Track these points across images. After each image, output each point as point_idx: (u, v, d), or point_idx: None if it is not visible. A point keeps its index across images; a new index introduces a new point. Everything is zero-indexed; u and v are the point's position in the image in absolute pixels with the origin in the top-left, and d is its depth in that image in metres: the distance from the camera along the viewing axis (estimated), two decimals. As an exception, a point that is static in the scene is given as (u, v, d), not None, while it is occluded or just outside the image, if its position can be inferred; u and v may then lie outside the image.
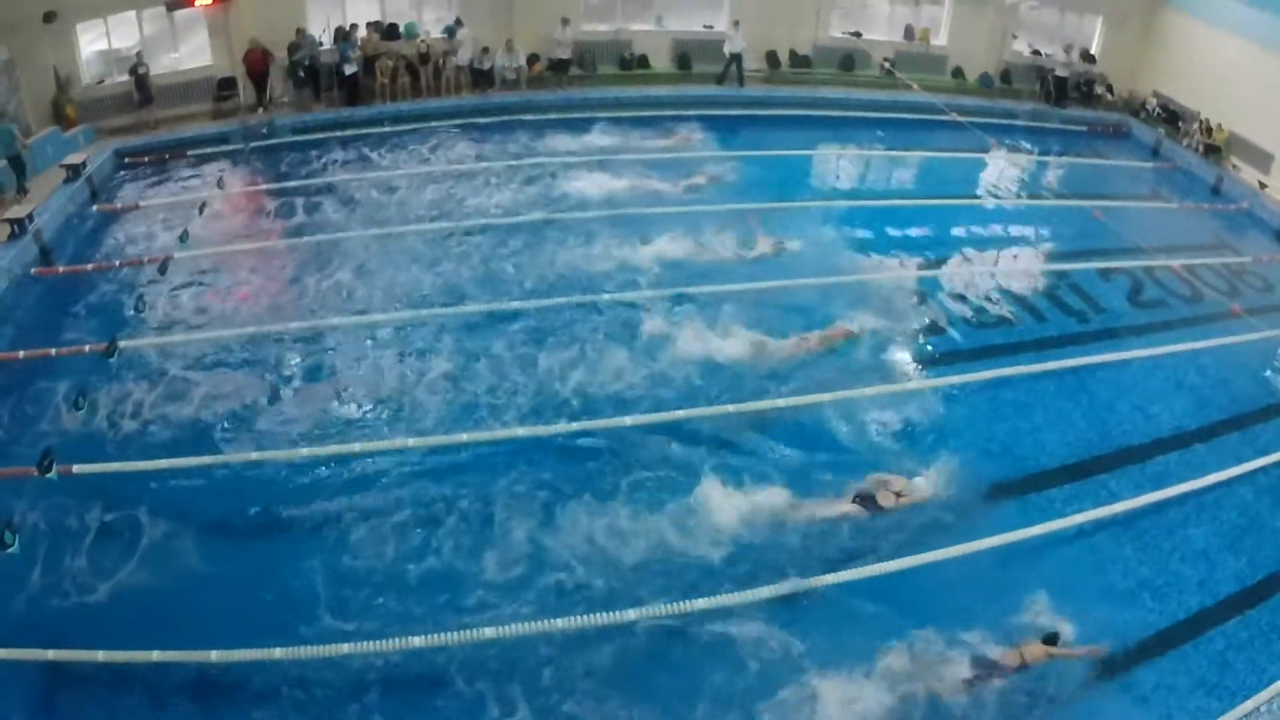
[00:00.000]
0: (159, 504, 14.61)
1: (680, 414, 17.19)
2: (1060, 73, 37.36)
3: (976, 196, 30.10)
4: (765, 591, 13.50)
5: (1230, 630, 14.25)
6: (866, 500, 15.30)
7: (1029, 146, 34.53)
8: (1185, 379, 20.93)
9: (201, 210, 23.86)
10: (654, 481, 15.74)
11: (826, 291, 21.96)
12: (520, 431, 16.57)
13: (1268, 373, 21.92)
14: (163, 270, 20.95)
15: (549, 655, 12.58)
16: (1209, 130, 34.28)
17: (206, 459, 15.44)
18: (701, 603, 13.23)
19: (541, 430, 16.66)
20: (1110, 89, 37.97)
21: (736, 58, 34.54)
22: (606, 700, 12.10)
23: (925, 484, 15.85)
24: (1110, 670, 13.22)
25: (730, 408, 17.42)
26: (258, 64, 28.88)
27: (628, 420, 16.91)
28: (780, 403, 17.84)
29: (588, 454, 16.41)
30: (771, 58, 35.81)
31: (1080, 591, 14.30)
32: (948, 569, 14.32)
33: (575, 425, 16.82)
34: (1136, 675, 13.27)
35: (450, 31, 31.87)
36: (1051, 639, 12.98)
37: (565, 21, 32.44)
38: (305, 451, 15.78)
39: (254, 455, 15.63)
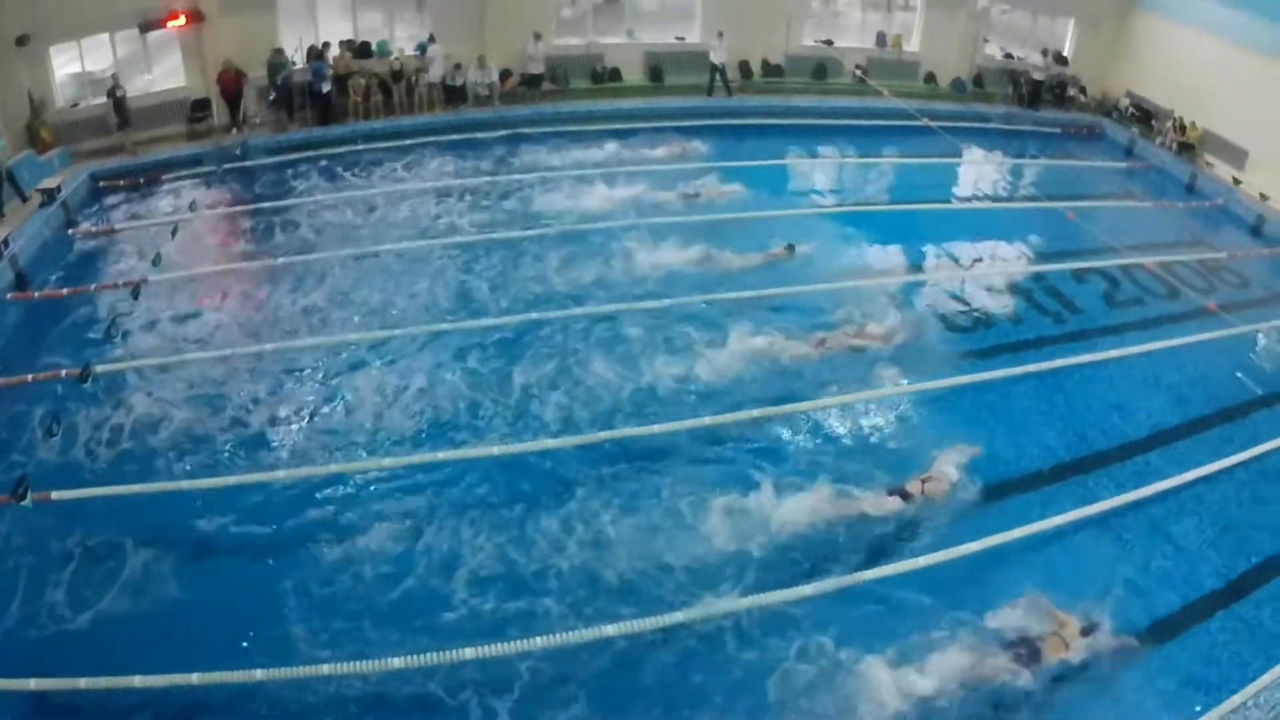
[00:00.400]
0: (137, 529, 14.46)
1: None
2: (1037, 76, 37.53)
3: (950, 201, 30.28)
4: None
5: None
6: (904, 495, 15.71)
7: (1002, 150, 34.68)
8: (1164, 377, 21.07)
9: (174, 233, 23.75)
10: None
11: (797, 300, 22.10)
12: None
13: (1246, 368, 22.04)
14: (135, 295, 20.83)
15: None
16: (1182, 128, 34.44)
17: (183, 483, 15.36)
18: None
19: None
20: (1083, 90, 38.13)
21: (720, 69, 34.59)
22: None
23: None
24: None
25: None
26: (231, 85, 28.78)
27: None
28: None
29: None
30: (744, 68, 35.86)
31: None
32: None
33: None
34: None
35: (422, 48, 31.84)
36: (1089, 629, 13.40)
37: (537, 36, 32.44)
38: (283, 474, 15.66)
39: (232, 479, 15.52)
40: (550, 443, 16.76)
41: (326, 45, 30.30)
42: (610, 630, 12.95)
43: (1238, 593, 15.11)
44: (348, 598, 13.57)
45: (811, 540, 14.96)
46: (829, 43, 36.89)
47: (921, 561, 14.57)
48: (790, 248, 24.10)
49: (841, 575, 14.28)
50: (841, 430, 18.00)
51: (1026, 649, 13.03)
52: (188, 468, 15.91)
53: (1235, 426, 19.59)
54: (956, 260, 25.72)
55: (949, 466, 16.33)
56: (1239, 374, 21.76)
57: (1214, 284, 25.93)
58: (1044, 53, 37.58)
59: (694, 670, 12.81)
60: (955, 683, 12.54)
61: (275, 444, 16.65)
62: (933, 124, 30.41)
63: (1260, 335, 23.49)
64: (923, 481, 15.93)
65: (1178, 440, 18.89)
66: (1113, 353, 21.50)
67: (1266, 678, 13.25)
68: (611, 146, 30.34)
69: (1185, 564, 15.55)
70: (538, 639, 12.68)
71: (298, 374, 18.69)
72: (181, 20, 28.03)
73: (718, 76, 34.69)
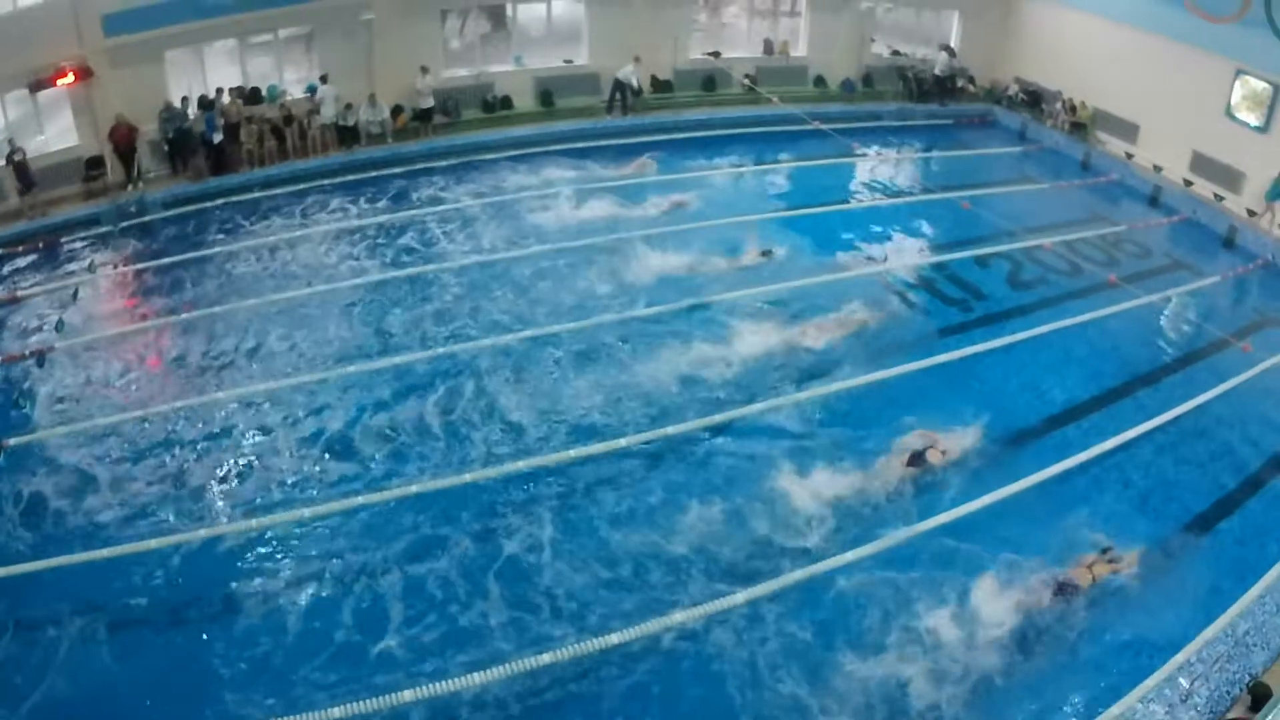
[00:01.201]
0: (64, 602, 13.94)
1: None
2: (940, 71, 37.80)
3: (846, 201, 30.05)
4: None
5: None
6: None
7: (897, 146, 34.73)
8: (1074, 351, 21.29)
9: (76, 296, 22.97)
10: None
11: (694, 312, 22.00)
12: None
13: (1154, 335, 22.52)
14: (40, 363, 20.05)
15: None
16: (1073, 109, 34.80)
17: (104, 552, 14.67)
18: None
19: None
20: (972, 80, 38.27)
21: (628, 87, 34.44)
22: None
23: None
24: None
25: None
26: (124, 139, 27.91)
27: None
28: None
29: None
30: (623, 86, 35.56)
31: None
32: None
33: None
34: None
35: (313, 89, 31.26)
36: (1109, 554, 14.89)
37: (424, 70, 31.96)
38: (204, 532, 15.18)
39: (153, 543, 14.91)
40: (481, 473, 16.64)
41: (219, 92, 29.65)
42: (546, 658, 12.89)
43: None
44: (279, 651, 13.27)
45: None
46: (716, 54, 36.77)
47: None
48: (769, 252, 24.73)
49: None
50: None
51: None
52: (110, 534, 15.27)
53: (1150, 393, 20.02)
54: (861, 257, 25.58)
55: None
56: (1149, 341, 22.29)
57: (1116, 256, 26.11)
58: (945, 48, 37.98)
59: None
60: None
61: (196, 502, 16.08)
62: (824, 126, 30.39)
63: (1165, 302, 23.70)
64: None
65: (1092, 412, 19.22)
66: (1020, 335, 21.59)
67: (1209, 631, 13.61)
68: (507, 174, 29.91)
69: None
70: (475, 675, 12.53)
71: (212, 429, 18.03)
72: (71, 77, 27.17)
73: (619, 95, 34.43)
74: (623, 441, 17.43)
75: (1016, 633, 13.74)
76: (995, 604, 14.00)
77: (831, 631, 13.80)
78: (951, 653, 13.38)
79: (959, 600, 14.15)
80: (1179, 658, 13.13)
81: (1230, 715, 12.24)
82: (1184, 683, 12.70)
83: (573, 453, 17.12)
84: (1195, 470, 17.69)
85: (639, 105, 34.81)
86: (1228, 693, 12.54)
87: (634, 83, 34.20)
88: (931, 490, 16.59)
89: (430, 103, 32.20)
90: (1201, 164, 30.34)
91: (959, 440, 17.56)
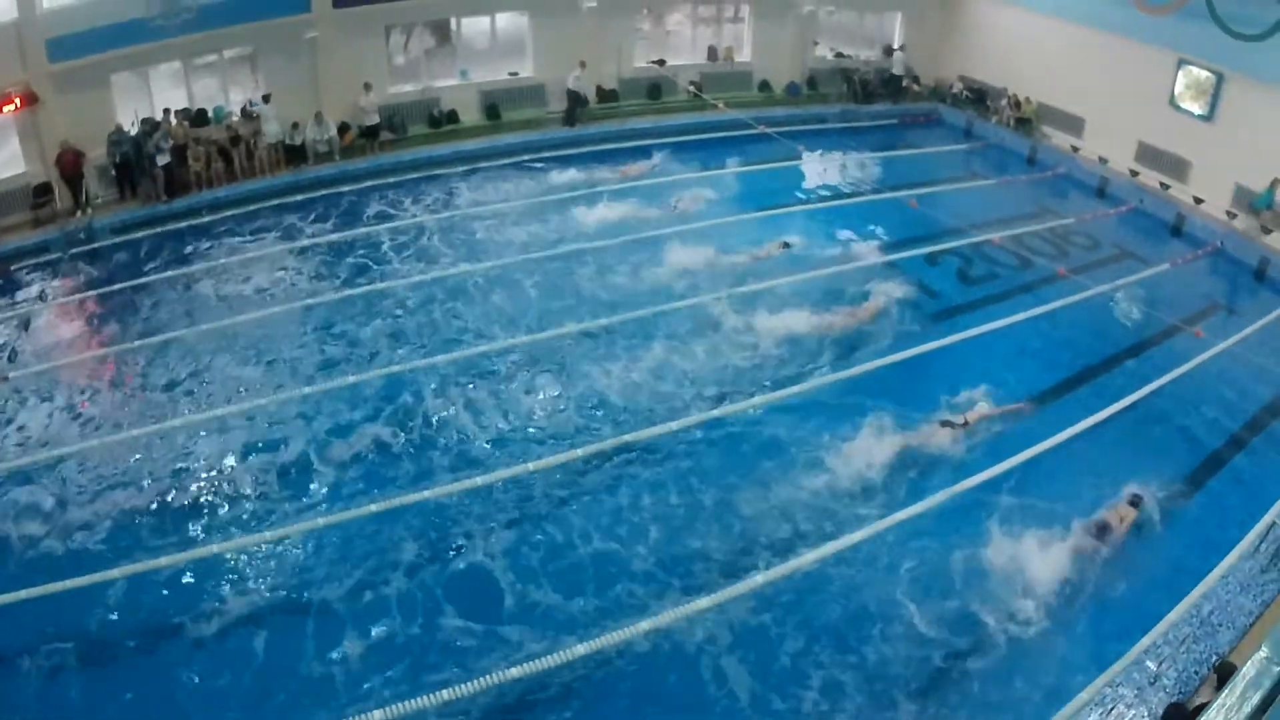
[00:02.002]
0: (23, 637, 13.64)
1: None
2: (897, 70, 38.24)
3: (792, 205, 29.85)
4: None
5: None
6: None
7: (843, 147, 34.70)
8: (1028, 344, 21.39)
9: (27, 326, 22.63)
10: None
11: (652, 320, 21.92)
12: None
13: (1103, 326, 22.65)
14: (-8, 393, 19.82)
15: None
16: (1018, 104, 35.08)
17: (69, 583, 14.24)
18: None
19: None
20: (916, 80, 38.48)
21: (579, 96, 34.47)
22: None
23: None
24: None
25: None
26: (71, 165, 27.47)
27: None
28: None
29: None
30: (579, 95, 35.51)
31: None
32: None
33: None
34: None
35: (251, 104, 30.92)
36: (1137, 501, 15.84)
37: (368, 86, 31.73)
38: (165, 560, 14.80)
39: (114, 572, 14.53)
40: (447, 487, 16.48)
41: (167, 112, 29.28)
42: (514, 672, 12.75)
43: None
44: (246, 678, 13.09)
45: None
46: (661, 62, 36.75)
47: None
48: (786, 244, 25.28)
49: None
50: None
51: None
52: (64, 566, 14.86)
53: (1105, 380, 20.29)
54: (804, 260, 25.27)
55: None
56: (1101, 331, 22.48)
57: (1065, 249, 26.26)
58: (902, 48, 38.53)
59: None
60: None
61: (154, 529, 15.74)
62: (770, 130, 30.40)
63: (1116, 292, 23.87)
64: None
65: (1048, 403, 19.35)
66: (973, 330, 21.67)
67: (1173, 614, 13.68)
68: (456, 189, 29.76)
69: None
70: (443, 691, 12.36)
71: (168, 456, 17.65)
72: (16, 104, 26.85)
73: (573, 104, 34.44)
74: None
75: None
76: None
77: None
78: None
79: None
80: (1145, 641, 13.17)
81: (1200, 701, 12.26)
82: (1151, 665, 12.75)
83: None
84: (1153, 453, 17.76)
85: (584, 116, 34.75)
86: (1195, 673, 12.58)
87: (577, 88, 34.22)
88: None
89: (375, 119, 31.98)
90: (1147, 154, 30.66)
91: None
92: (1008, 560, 14.80)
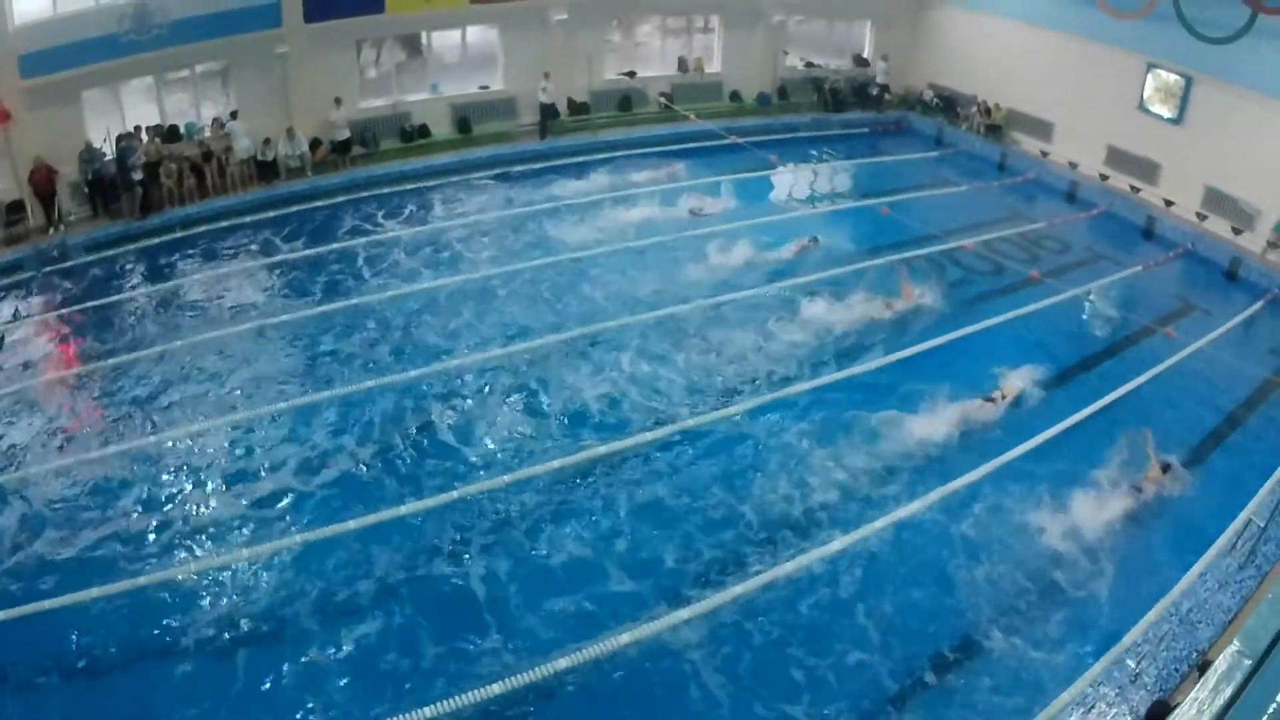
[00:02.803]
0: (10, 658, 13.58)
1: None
2: (881, 79, 38.48)
3: (765, 215, 29.62)
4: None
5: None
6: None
7: (815, 156, 34.85)
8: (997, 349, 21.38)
9: (1, 345, 22.52)
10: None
11: (625, 330, 21.93)
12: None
13: (1077, 329, 22.84)
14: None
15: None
16: (988, 111, 35.28)
17: (46, 603, 14.17)
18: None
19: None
20: (886, 88, 38.58)
21: (550, 108, 34.50)
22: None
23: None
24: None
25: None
26: (44, 182, 27.29)
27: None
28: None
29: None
30: (550, 108, 35.49)
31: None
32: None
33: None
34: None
35: (221, 123, 30.76)
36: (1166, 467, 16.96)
37: (338, 101, 31.67)
38: (144, 580, 14.66)
39: (95, 592, 14.36)
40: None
41: (137, 129, 29.10)
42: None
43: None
44: (227, 700, 12.91)
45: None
46: (631, 74, 36.82)
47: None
48: (815, 240, 26.16)
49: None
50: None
51: None
52: (40, 587, 14.71)
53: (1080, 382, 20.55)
54: (776, 270, 25.38)
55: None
56: (1075, 333, 22.72)
57: (1037, 253, 26.39)
58: (884, 58, 38.60)
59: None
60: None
61: (132, 548, 15.54)
62: (741, 140, 30.51)
63: (1088, 294, 24.09)
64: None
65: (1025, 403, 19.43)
66: (948, 335, 21.77)
67: (1152, 614, 13.80)
68: (429, 202, 29.75)
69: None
70: (426, 709, 12.31)
71: (145, 474, 17.45)
72: (-11, 121, 26.80)
73: (544, 117, 34.51)
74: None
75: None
76: None
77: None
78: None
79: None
80: (1125, 640, 13.23)
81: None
82: (1131, 663, 12.80)
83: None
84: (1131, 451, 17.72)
85: (556, 128, 34.79)
86: (1176, 669, 12.62)
87: (547, 100, 34.29)
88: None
89: (346, 134, 31.90)
90: (1117, 158, 30.92)
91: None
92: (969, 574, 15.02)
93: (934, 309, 22.94)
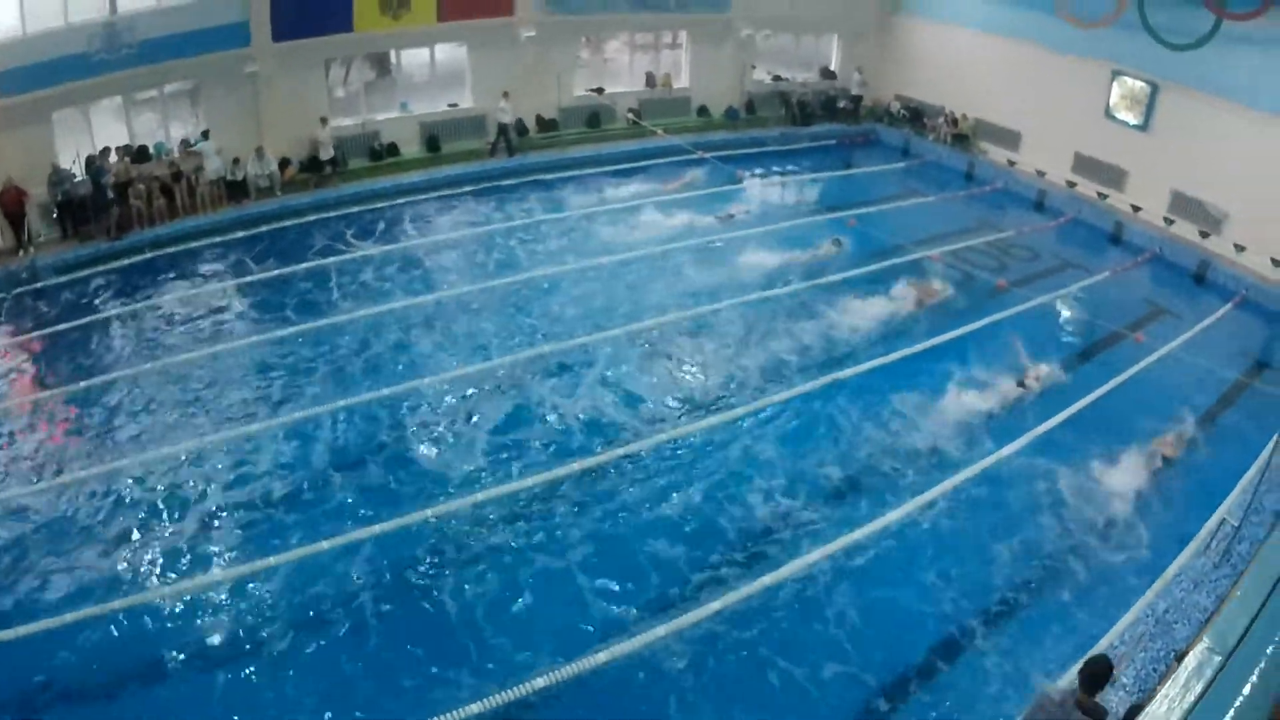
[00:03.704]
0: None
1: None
2: (856, 91, 38.90)
3: (734, 230, 29.59)
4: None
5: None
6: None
7: (782, 169, 34.88)
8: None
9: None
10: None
11: (598, 346, 21.96)
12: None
13: (1047, 335, 22.90)
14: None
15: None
16: (954, 121, 35.53)
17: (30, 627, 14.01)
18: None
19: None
20: (855, 100, 38.79)
21: (508, 128, 34.44)
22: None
23: None
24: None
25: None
26: (13, 203, 27.08)
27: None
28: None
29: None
30: (519, 125, 35.51)
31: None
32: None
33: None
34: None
35: (188, 143, 30.63)
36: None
37: (324, 120, 31.59)
38: (118, 604, 14.46)
39: (69, 617, 14.10)
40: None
41: (106, 151, 28.91)
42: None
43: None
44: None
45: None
46: (599, 91, 36.91)
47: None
48: (838, 242, 26.68)
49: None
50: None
51: None
52: (10, 614, 14.55)
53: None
54: (744, 284, 25.33)
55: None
56: (1045, 340, 22.60)
57: (1005, 261, 26.51)
58: (859, 70, 39.12)
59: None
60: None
61: (105, 573, 15.34)
62: (709, 155, 30.64)
63: (1057, 301, 24.37)
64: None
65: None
66: (917, 346, 21.87)
67: (1129, 615, 13.96)
68: (398, 219, 29.75)
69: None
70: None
71: (117, 498, 17.25)
72: (-44, 143, 26.57)
73: (504, 136, 34.41)
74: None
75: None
76: None
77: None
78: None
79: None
80: (1103, 642, 13.26)
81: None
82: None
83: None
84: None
85: (523, 145, 34.80)
86: (1154, 670, 12.65)
87: (506, 120, 34.26)
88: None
89: (331, 153, 31.80)
90: (1084, 165, 31.20)
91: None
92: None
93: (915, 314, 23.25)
